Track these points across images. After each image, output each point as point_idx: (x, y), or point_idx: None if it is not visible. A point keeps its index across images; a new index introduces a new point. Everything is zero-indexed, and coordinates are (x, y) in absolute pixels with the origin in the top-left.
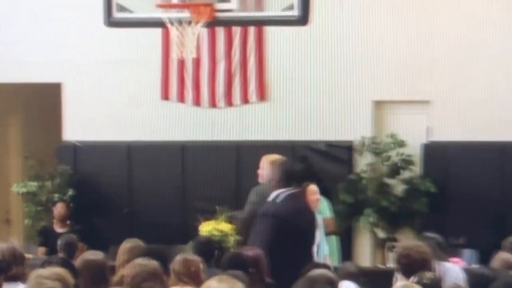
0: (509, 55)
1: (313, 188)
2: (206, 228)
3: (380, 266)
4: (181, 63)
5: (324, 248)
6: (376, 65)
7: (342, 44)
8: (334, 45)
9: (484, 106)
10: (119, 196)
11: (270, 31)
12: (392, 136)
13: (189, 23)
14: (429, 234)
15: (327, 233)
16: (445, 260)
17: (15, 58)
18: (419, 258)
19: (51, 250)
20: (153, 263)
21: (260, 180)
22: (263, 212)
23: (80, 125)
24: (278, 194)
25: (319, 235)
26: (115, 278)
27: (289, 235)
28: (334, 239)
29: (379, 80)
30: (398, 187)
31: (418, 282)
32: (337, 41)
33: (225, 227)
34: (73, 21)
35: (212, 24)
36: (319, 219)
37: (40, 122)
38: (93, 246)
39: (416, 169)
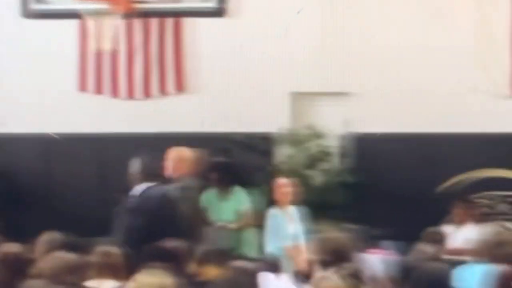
0: (426, 47)
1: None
2: None
3: None
4: (99, 55)
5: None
6: (294, 56)
7: (259, 35)
8: (252, 36)
9: (402, 98)
10: (38, 189)
11: (188, 22)
12: (311, 127)
13: (106, 14)
14: (349, 226)
15: (245, 226)
16: (366, 251)
17: None
18: (338, 250)
19: None
20: (72, 256)
21: (167, 172)
22: (126, 207)
23: None
24: (142, 188)
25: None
26: (34, 270)
27: (149, 228)
28: (252, 231)
29: (297, 72)
30: (317, 178)
31: (338, 274)
32: (254, 32)
33: None
34: None
35: (130, 15)
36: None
37: None
38: (12, 239)
39: (335, 161)
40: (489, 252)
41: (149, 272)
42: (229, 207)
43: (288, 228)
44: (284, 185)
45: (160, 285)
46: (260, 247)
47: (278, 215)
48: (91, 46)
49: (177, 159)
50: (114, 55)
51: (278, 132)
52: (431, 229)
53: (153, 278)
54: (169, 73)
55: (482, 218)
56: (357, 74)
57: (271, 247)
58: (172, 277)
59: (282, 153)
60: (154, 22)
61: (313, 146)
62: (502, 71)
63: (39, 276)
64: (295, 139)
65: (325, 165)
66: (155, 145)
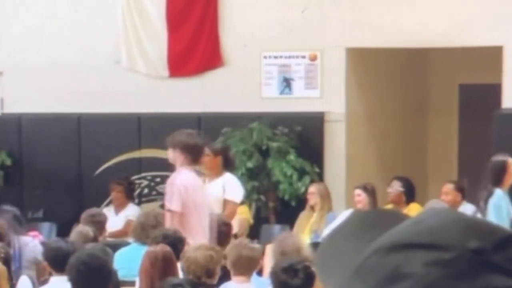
0: (77, 29)
1: None
2: None
3: None
4: None
5: None
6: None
7: None
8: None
9: (58, 77)
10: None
11: None
12: None
13: None
14: (5, 208)
15: None
16: (23, 234)
17: None
18: None
19: None
20: None
21: None
22: None
23: None
24: None
25: None
26: None
27: None
28: None
29: None
30: None
31: None
32: None
33: None
34: None
35: None
36: None
37: None
38: None
39: None
40: (145, 233)
41: None
42: None
43: None
44: None
45: None
46: None
47: None
48: None
49: None
50: None
51: None
52: (90, 211)
53: None
54: None
55: (141, 199)
56: (11, 51)
57: None
58: None
59: None
60: None
61: None
62: (160, 53)
63: None
64: None
65: None
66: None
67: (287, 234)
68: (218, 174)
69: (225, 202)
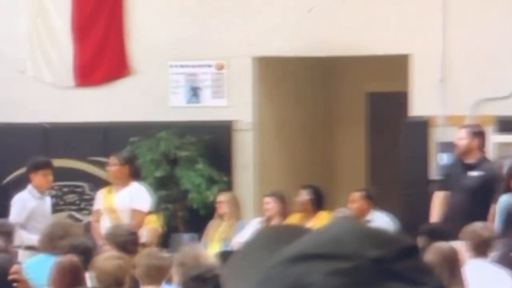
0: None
1: None
2: None
3: None
4: None
5: None
6: None
7: None
8: None
9: None
10: None
11: None
12: None
13: None
14: None
15: None
16: None
17: None
18: None
19: None
20: None
21: None
22: None
23: None
24: None
25: None
26: None
27: None
28: None
29: None
30: None
31: None
32: None
33: None
34: None
35: None
36: None
37: None
38: None
39: None
40: (53, 243)
41: None
42: None
43: None
44: None
45: None
46: None
47: None
48: None
49: None
50: None
51: None
52: None
53: None
54: None
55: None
56: None
57: None
58: None
59: None
60: None
61: None
62: (66, 62)
63: None
64: None
65: None
66: None
67: (189, 245)
68: (125, 183)
69: (133, 212)
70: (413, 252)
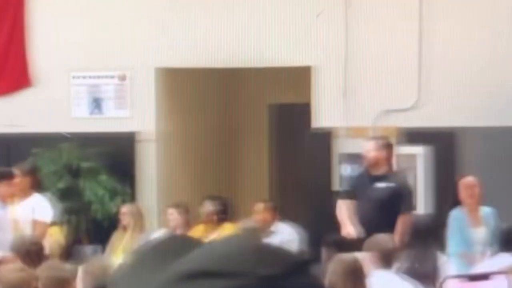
0: None
1: None
2: None
3: None
4: None
5: None
6: None
7: None
8: None
9: None
10: None
11: None
12: None
13: None
14: None
15: None
16: None
17: None
18: None
19: None
20: None
21: None
22: None
23: None
24: None
25: None
26: None
27: None
28: None
29: None
30: None
31: None
32: None
33: None
34: None
35: None
36: None
37: None
38: None
39: None
40: None
41: None
42: None
43: None
44: None
45: None
46: None
47: None
48: None
49: None
50: None
51: None
52: None
53: None
54: None
55: None
56: None
57: None
58: None
59: None
60: None
61: None
62: None
63: None
64: None
65: None
66: None
67: (96, 257)
68: (27, 194)
69: (35, 223)
70: (303, 269)
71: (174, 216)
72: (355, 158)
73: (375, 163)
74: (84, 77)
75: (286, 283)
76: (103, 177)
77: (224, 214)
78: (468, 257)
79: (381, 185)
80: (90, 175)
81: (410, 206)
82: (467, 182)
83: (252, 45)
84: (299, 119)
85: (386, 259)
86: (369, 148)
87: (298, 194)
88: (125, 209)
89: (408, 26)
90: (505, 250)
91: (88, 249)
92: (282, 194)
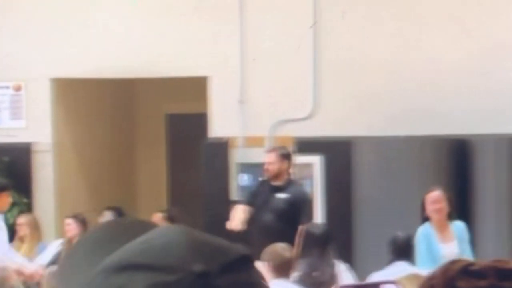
0: None
1: None
2: None
3: None
4: None
5: None
6: None
7: None
8: None
9: None
10: None
11: None
12: None
13: None
14: None
15: None
16: None
17: None
18: None
19: None
20: None
21: None
22: None
23: None
24: None
25: None
26: None
27: None
28: None
29: None
30: None
31: None
32: None
33: None
34: None
35: None
36: None
37: None
38: None
39: None
40: None
41: None
42: None
43: None
44: None
45: None
46: None
47: None
48: None
49: None
50: None
51: None
52: None
53: None
54: None
55: None
56: None
57: None
58: None
59: None
60: None
61: None
62: None
63: None
64: None
65: None
66: None
67: None
68: None
69: None
70: (241, 265)
71: (71, 226)
72: (252, 167)
73: (278, 174)
74: None
75: (220, 281)
76: None
77: None
78: None
79: (281, 195)
80: None
81: (309, 216)
82: (432, 197)
83: (148, 56)
84: (196, 129)
85: (283, 268)
86: (270, 160)
87: (196, 203)
88: (21, 220)
89: (303, 35)
90: (400, 258)
91: None
92: (180, 203)
